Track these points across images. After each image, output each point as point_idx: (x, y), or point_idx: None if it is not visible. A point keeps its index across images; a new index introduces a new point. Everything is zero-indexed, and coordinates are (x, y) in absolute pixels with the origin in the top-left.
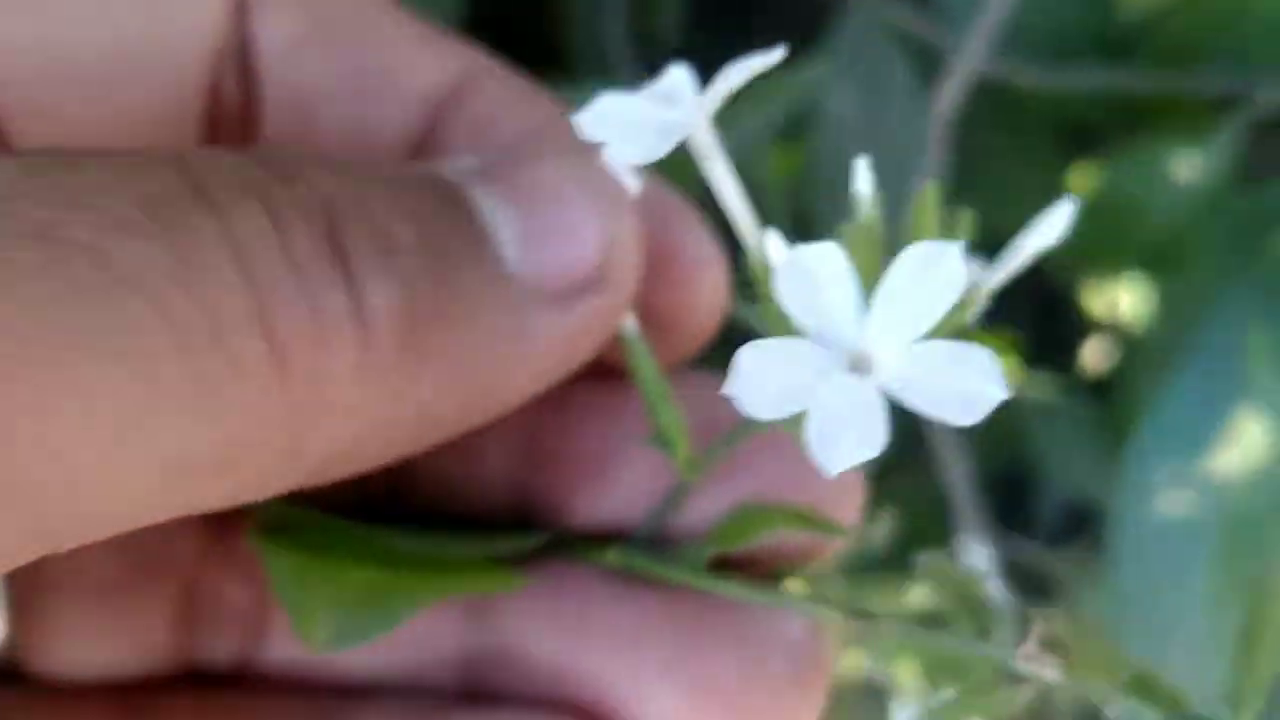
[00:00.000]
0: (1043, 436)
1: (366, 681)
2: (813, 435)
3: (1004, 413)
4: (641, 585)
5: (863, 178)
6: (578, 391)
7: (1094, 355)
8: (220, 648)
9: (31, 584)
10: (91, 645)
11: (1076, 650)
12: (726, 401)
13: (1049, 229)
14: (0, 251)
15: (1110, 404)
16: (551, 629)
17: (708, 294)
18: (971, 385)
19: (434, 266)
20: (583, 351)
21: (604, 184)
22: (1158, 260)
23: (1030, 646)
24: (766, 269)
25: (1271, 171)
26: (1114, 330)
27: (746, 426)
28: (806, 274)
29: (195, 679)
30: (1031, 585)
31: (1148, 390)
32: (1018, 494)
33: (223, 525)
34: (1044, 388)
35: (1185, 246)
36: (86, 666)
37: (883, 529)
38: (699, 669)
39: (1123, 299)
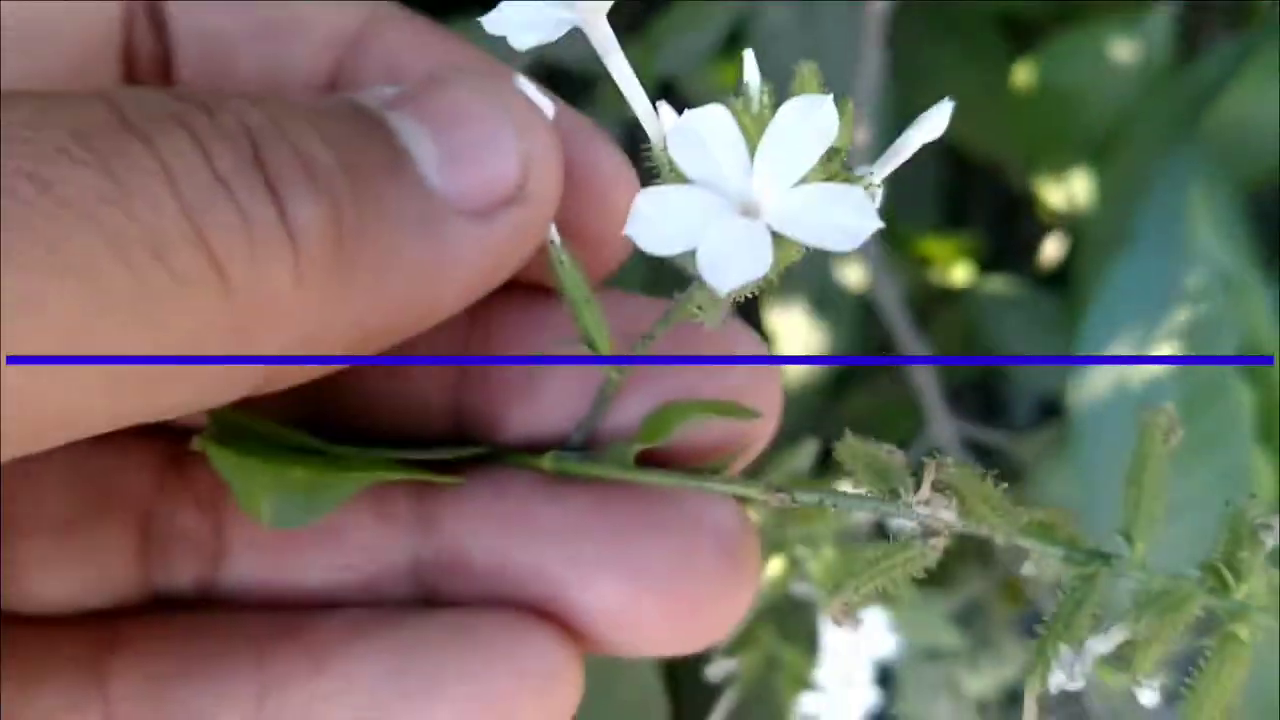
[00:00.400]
0: (1003, 331)
1: (325, 595)
2: (703, 264)
3: (965, 311)
4: (575, 487)
5: (750, 69)
6: (503, 310)
7: (1053, 250)
8: (182, 574)
9: None
10: (57, 580)
11: (970, 494)
12: (641, 311)
13: (933, 123)
14: None
15: (1067, 293)
16: (493, 532)
17: (624, 209)
18: (848, 219)
19: (356, 186)
20: (507, 263)
21: (518, 103)
22: (1104, 146)
23: (924, 491)
24: (665, 150)
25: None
26: (1068, 221)
27: (667, 317)
28: (696, 134)
29: (161, 604)
30: (1002, 471)
31: (1097, 273)
32: (995, 396)
33: (177, 457)
34: (1004, 285)
35: (1128, 129)
36: (55, 601)
37: (808, 454)
38: (634, 559)
39: (1076, 189)
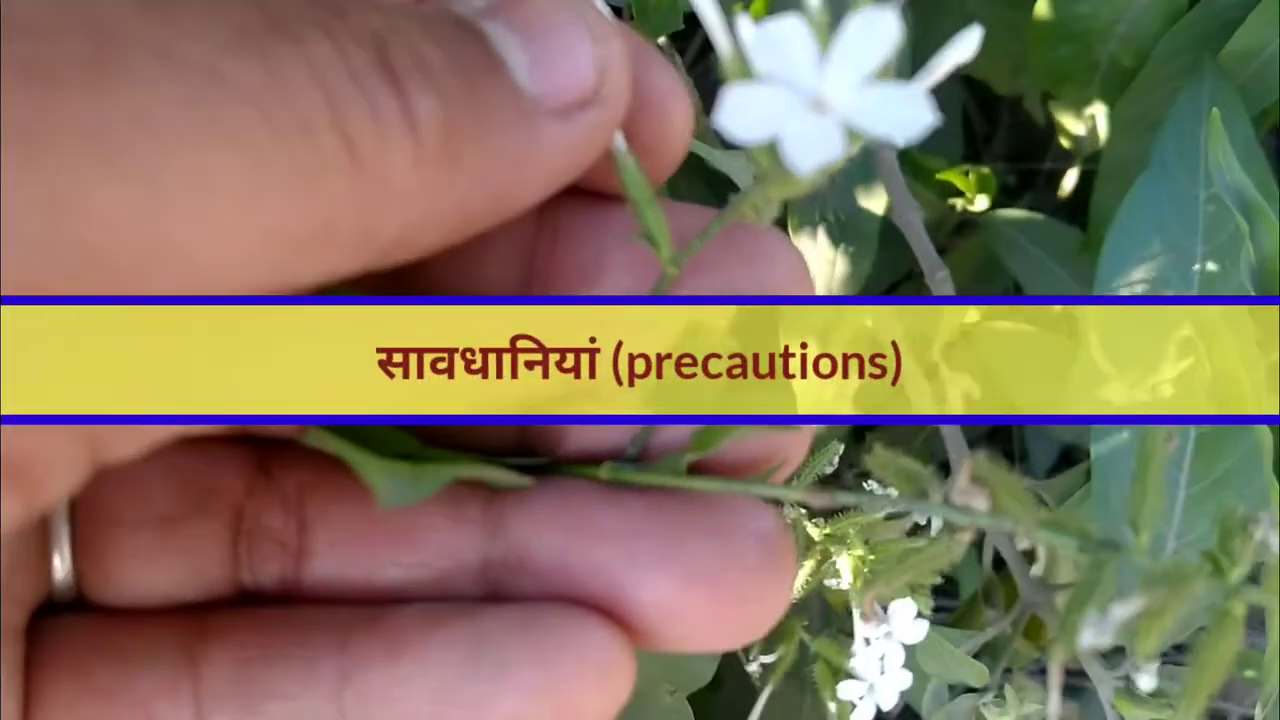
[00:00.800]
0: (1019, 260)
1: (400, 592)
2: (787, 150)
3: (982, 239)
4: (630, 494)
5: None
6: (569, 212)
7: (1073, 182)
8: (267, 571)
9: (93, 520)
10: (156, 573)
11: (1000, 487)
12: (692, 217)
13: (964, 47)
14: (134, 69)
15: (1085, 223)
16: (557, 534)
17: (678, 122)
18: (907, 112)
19: (462, 83)
20: (583, 159)
21: (594, 16)
22: (1124, 78)
23: (963, 480)
24: (737, 61)
25: None
26: (1088, 153)
27: (724, 216)
28: (775, 40)
29: (247, 599)
30: None
31: (1116, 202)
32: (1017, 443)
33: (265, 464)
34: (1021, 214)
35: (1147, 60)
36: (152, 593)
37: (833, 454)
38: (686, 559)
39: (1096, 121)
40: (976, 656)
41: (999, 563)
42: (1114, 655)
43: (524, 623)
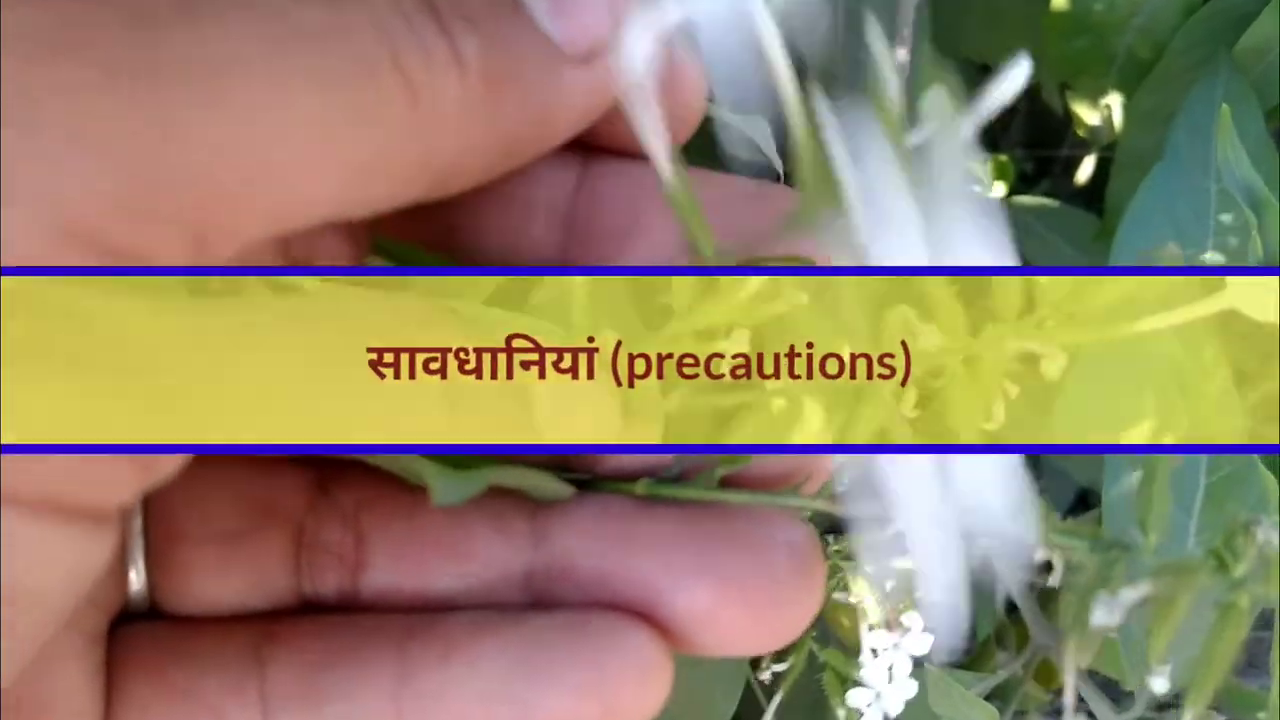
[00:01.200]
0: (1034, 247)
1: (450, 601)
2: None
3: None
4: (667, 507)
5: None
6: (603, 172)
7: (1089, 172)
8: (327, 582)
9: (165, 535)
10: (219, 585)
11: None
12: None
13: (1015, 77)
14: (220, 13)
15: (1100, 211)
16: (598, 544)
17: (691, 86)
18: None
19: (499, 28)
20: (601, 102)
21: None
22: (1140, 70)
23: None
24: None
25: None
26: (1104, 143)
27: None
28: None
29: (308, 609)
30: None
31: (1130, 192)
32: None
33: (324, 482)
34: (1036, 202)
35: (1163, 53)
36: (216, 602)
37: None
38: (720, 568)
39: (1112, 112)
40: (988, 699)
41: (1011, 606)
42: (1125, 700)
43: (569, 627)
